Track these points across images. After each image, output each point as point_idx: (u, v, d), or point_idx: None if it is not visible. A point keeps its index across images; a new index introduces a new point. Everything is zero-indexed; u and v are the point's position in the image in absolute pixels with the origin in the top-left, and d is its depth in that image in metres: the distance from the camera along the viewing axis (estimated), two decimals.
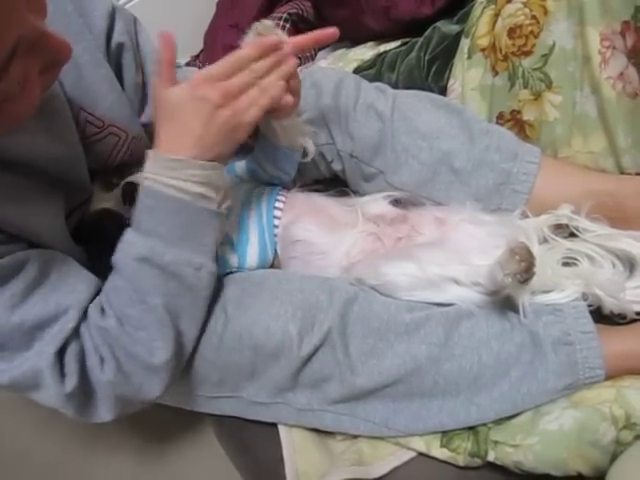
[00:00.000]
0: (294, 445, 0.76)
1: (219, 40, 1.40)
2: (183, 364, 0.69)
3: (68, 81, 0.71)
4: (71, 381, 0.61)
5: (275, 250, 0.81)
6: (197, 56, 1.50)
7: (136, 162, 0.83)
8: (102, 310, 0.65)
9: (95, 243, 0.78)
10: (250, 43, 0.67)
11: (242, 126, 0.66)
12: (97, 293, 0.67)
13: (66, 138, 0.70)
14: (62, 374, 0.61)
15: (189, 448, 1.09)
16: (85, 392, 0.63)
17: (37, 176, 0.65)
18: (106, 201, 0.78)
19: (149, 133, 0.85)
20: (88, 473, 1.13)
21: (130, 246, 0.65)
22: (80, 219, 0.78)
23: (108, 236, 0.76)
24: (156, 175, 0.64)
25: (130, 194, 0.76)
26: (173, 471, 1.08)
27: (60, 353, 0.61)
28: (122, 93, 0.79)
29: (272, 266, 0.82)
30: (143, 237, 0.65)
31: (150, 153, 0.66)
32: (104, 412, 0.66)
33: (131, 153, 0.82)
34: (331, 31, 0.70)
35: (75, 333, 0.63)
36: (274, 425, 0.77)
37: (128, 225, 0.76)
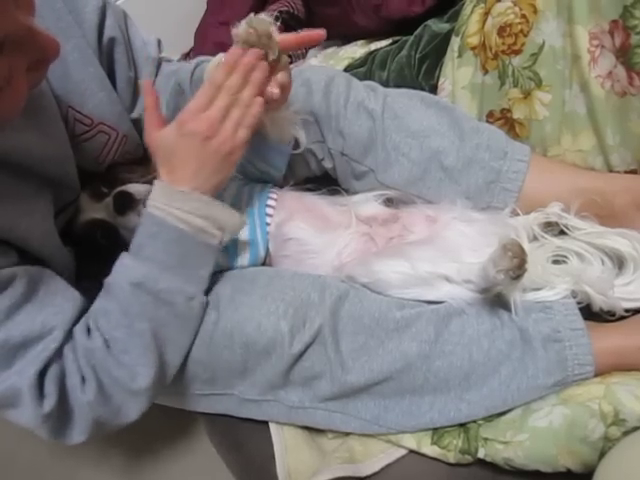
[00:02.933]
0: (285, 443, 0.76)
1: (209, 38, 1.40)
2: (162, 390, 0.69)
3: (55, 79, 0.70)
4: (49, 402, 0.61)
5: (267, 248, 0.81)
6: (187, 54, 1.49)
7: (127, 163, 0.83)
8: (88, 331, 0.65)
9: (83, 251, 0.78)
10: (219, 64, 0.67)
11: (235, 149, 0.67)
12: (80, 312, 0.66)
13: (54, 136, 0.70)
14: (41, 395, 0.61)
15: (180, 448, 1.09)
16: (62, 414, 0.63)
17: (26, 176, 0.64)
18: (96, 211, 0.78)
19: (140, 129, 0.85)
20: (76, 475, 1.12)
21: (126, 270, 0.66)
22: (69, 220, 0.78)
23: (99, 246, 0.77)
24: (161, 204, 0.66)
25: (122, 204, 0.76)
26: (164, 471, 1.07)
27: (41, 374, 0.61)
28: (112, 91, 0.78)
29: (264, 264, 0.82)
30: (141, 262, 0.66)
31: (157, 183, 0.68)
32: (78, 434, 0.65)
33: (122, 152, 0.81)
34: (318, 33, 0.70)
35: (57, 354, 0.62)
36: (265, 423, 0.77)
37: (122, 236, 0.76)
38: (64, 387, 0.62)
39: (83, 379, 0.63)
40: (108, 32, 0.77)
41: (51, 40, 0.53)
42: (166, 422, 1.03)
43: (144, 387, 0.64)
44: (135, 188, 0.78)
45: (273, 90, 0.68)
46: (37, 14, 0.67)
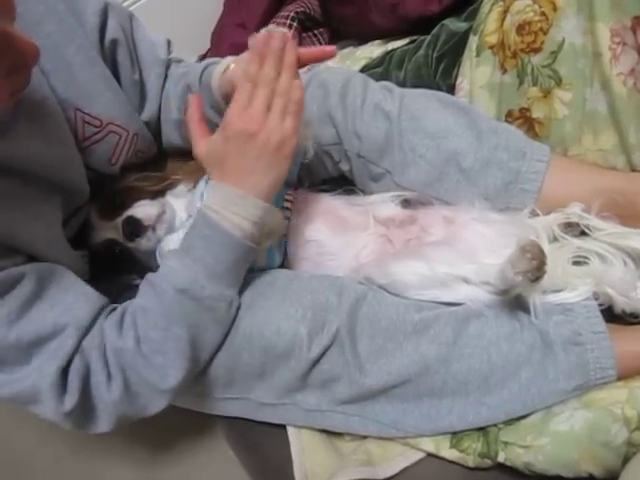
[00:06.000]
0: (302, 445, 0.76)
1: (226, 39, 1.40)
2: (183, 390, 0.69)
3: (61, 82, 0.70)
4: (71, 399, 0.62)
5: (285, 250, 0.81)
6: (204, 55, 1.50)
7: (141, 168, 0.83)
8: (120, 328, 0.65)
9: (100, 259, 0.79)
10: (248, 57, 0.67)
11: (285, 140, 0.66)
12: (97, 308, 0.67)
13: (59, 142, 0.69)
14: (63, 392, 0.62)
15: (197, 449, 1.09)
16: (85, 409, 0.64)
17: (32, 182, 0.65)
18: (109, 231, 0.79)
19: (151, 130, 0.85)
20: (95, 476, 1.12)
21: (172, 273, 0.66)
22: (81, 226, 0.79)
23: (118, 260, 0.78)
24: (217, 206, 0.66)
25: (130, 232, 0.76)
26: (181, 472, 1.08)
27: (63, 371, 0.62)
28: (120, 90, 0.78)
29: (282, 266, 0.82)
30: (188, 265, 0.66)
31: (214, 184, 0.67)
32: (102, 426, 0.66)
33: (135, 151, 0.81)
34: (329, 49, 0.70)
35: (77, 350, 0.63)
36: (283, 425, 0.77)
37: (136, 256, 0.77)
38: (88, 385, 0.63)
39: (109, 377, 0.64)
40: (110, 34, 0.76)
41: (29, 44, 0.51)
42: (184, 424, 1.03)
43: (172, 387, 0.65)
44: (145, 212, 0.77)
45: None
46: (39, 20, 0.67)
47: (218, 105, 0.76)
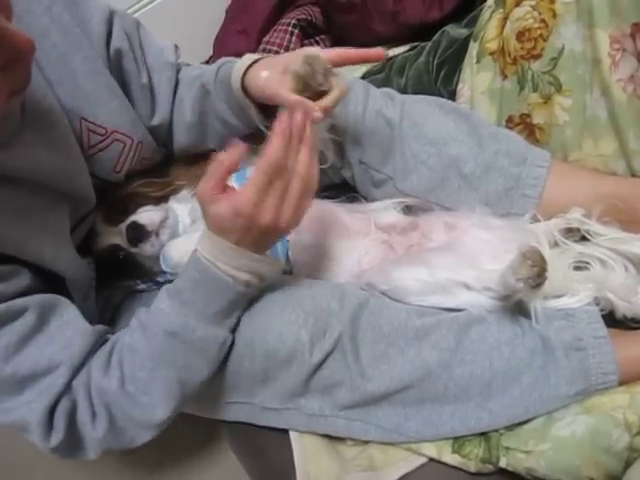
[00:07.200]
0: (305, 450, 0.76)
1: (228, 46, 1.41)
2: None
3: (66, 92, 0.71)
4: (57, 436, 0.62)
5: (287, 256, 0.81)
6: (207, 62, 1.51)
7: (144, 175, 0.83)
8: (106, 367, 0.65)
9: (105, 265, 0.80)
10: (273, 139, 0.61)
11: (291, 227, 0.65)
12: (90, 345, 0.66)
13: (65, 151, 0.70)
14: (49, 430, 0.62)
15: (200, 454, 1.09)
16: (72, 443, 0.64)
17: (39, 191, 0.65)
18: (113, 236, 0.79)
19: (158, 136, 0.85)
20: None
21: (162, 315, 0.65)
22: (88, 233, 0.79)
23: (122, 266, 0.79)
24: (210, 255, 0.64)
25: (134, 237, 0.77)
26: (184, 477, 1.08)
27: (50, 410, 0.62)
28: (125, 99, 0.78)
29: (283, 272, 0.82)
30: (178, 308, 0.65)
31: (208, 233, 0.64)
32: (90, 456, 0.67)
33: (139, 158, 0.82)
34: (378, 52, 0.71)
35: (66, 389, 0.63)
36: (285, 430, 0.77)
37: (140, 261, 0.77)
38: (74, 422, 0.63)
39: (94, 416, 0.64)
40: (115, 42, 0.76)
41: (24, 39, 0.50)
42: (187, 427, 1.03)
43: (159, 423, 0.65)
44: (149, 218, 0.78)
45: (316, 114, 0.66)
46: (45, 32, 0.68)
47: (234, 103, 0.76)
